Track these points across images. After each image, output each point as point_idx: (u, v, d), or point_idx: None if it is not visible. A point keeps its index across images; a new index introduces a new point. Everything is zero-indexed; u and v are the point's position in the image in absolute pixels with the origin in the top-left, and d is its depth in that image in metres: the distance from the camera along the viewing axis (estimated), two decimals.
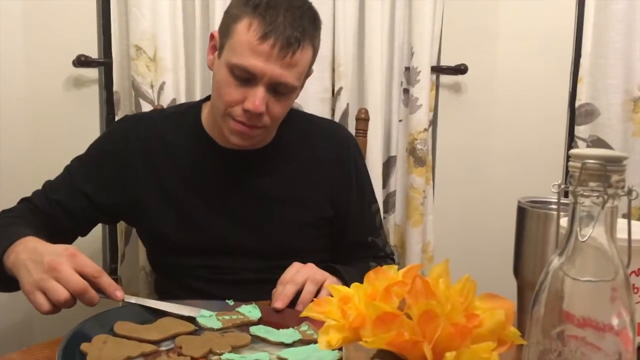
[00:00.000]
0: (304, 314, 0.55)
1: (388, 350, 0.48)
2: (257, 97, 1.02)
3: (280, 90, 1.05)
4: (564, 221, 0.58)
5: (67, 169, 1.18)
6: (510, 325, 0.50)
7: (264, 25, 0.99)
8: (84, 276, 0.83)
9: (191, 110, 1.21)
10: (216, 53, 1.09)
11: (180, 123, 1.19)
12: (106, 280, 0.86)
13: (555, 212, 0.83)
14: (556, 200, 0.87)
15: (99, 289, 0.85)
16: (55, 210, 1.12)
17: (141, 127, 1.18)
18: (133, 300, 0.90)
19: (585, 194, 0.51)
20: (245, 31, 1.00)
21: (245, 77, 1.03)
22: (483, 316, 0.48)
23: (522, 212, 0.87)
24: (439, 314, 0.47)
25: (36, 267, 0.85)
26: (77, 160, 1.19)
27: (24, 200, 1.16)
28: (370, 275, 0.54)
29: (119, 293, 0.86)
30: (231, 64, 1.02)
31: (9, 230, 0.97)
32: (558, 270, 0.54)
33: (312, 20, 1.07)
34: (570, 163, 0.52)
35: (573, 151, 0.52)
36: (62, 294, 0.81)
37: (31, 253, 0.88)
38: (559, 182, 0.55)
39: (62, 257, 0.84)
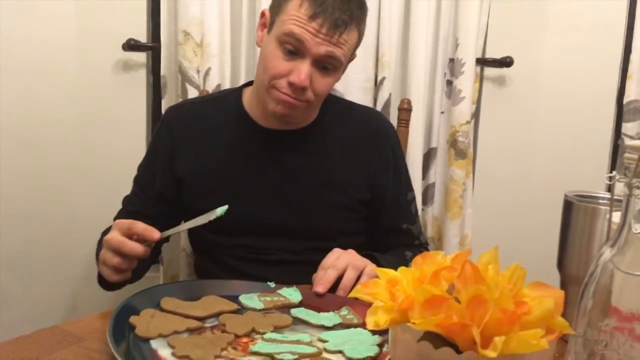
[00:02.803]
0: (352, 295, 0.55)
1: (435, 333, 0.49)
2: (302, 71, 1.06)
3: (326, 64, 1.09)
4: (613, 215, 0.58)
5: (135, 179, 1.24)
6: (559, 314, 0.49)
7: (314, 6, 1.03)
8: (123, 233, 0.92)
9: (232, 94, 1.25)
10: (265, 30, 1.13)
11: (222, 106, 1.23)
12: (140, 226, 0.92)
13: (602, 207, 0.82)
14: (603, 195, 0.87)
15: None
16: (139, 220, 1.16)
17: (182, 113, 1.23)
18: (170, 231, 0.96)
19: None
20: (296, 9, 1.04)
21: (293, 50, 1.06)
22: (532, 304, 0.48)
23: (568, 206, 0.86)
24: (488, 300, 0.47)
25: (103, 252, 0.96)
26: (140, 168, 1.25)
27: (114, 219, 1.21)
28: (418, 260, 0.55)
29: (155, 233, 0.92)
30: (280, 34, 1.06)
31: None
32: (608, 262, 0.54)
33: (359, 5, 1.10)
34: (626, 155, 0.52)
35: (630, 142, 0.51)
36: (110, 258, 0.92)
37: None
38: (613, 173, 0.55)
39: (112, 231, 0.93)
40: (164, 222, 1.18)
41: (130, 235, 0.92)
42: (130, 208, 1.21)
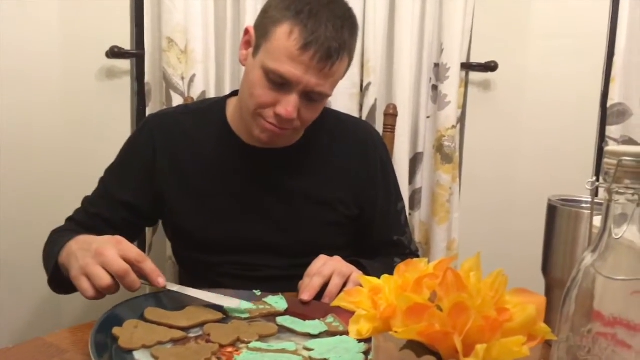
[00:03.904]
0: (334, 303, 0.55)
1: (418, 342, 0.49)
2: (289, 104, 1.02)
3: (313, 97, 1.05)
4: (596, 220, 0.58)
5: (102, 181, 1.19)
6: (541, 321, 0.49)
7: (306, 35, 0.98)
8: (128, 261, 0.85)
9: (215, 106, 1.21)
10: (250, 50, 1.08)
11: (205, 120, 1.19)
12: (149, 266, 0.87)
13: (586, 211, 0.83)
14: (587, 199, 0.88)
15: (141, 276, 0.87)
16: (97, 223, 1.13)
17: (165, 125, 1.18)
18: (176, 288, 0.90)
19: (620, 191, 0.51)
20: (286, 38, 0.99)
21: (280, 83, 1.02)
22: (514, 310, 0.48)
23: (552, 210, 0.86)
24: (470, 307, 0.47)
25: (84, 254, 0.88)
26: (109, 170, 1.20)
27: (69, 220, 1.18)
28: (400, 267, 0.55)
29: (161, 280, 0.87)
30: (268, 68, 1.01)
31: (62, 239, 0.99)
32: (590, 267, 0.54)
33: (351, 31, 1.06)
34: (605, 160, 0.52)
35: (609, 148, 0.52)
36: (104, 279, 0.84)
37: (81, 244, 0.92)
38: (593, 179, 0.55)
39: (108, 244, 0.87)
40: (125, 229, 1.14)
41: (132, 266, 0.86)
42: (92, 210, 1.16)
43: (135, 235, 1.23)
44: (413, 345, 0.49)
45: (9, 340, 0.82)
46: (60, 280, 0.97)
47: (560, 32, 1.84)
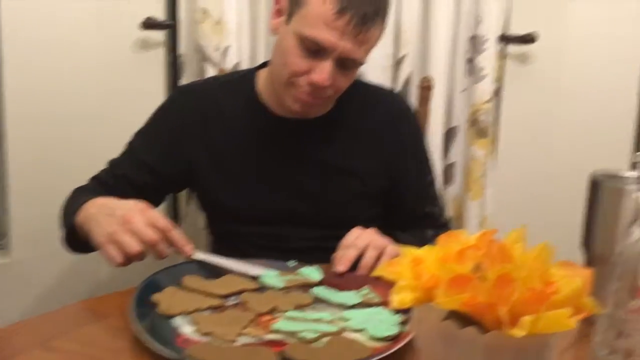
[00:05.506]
0: (375, 273, 0.55)
1: (459, 313, 0.48)
2: (324, 71, 1.01)
3: (347, 64, 1.04)
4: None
5: (129, 144, 1.19)
6: (586, 294, 0.49)
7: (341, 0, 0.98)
8: (156, 229, 0.86)
9: (246, 78, 1.20)
10: (282, 18, 1.07)
11: (235, 91, 1.19)
12: (177, 235, 0.88)
13: (629, 187, 0.81)
14: (630, 175, 0.86)
15: (168, 244, 0.88)
16: (122, 185, 1.14)
17: (196, 97, 1.19)
18: (202, 256, 0.91)
19: None
20: (321, 3, 0.98)
21: (315, 49, 1.01)
22: (560, 283, 0.48)
23: (595, 186, 0.84)
24: (516, 279, 0.46)
25: (108, 220, 0.88)
26: (137, 134, 1.20)
27: (93, 179, 1.18)
28: (442, 239, 0.54)
29: (188, 248, 0.88)
30: (303, 35, 1.01)
31: (80, 198, 1.00)
32: (637, 243, 0.53)
33: None
34: None
35: None
36: (134, 246, 0.85)
37: (101, 207, 0.92)
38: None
39: (134, 211, 0.87)
40: (148, 193, 1.12)
41: (161, 235, 0.86)
42: (117, 171, 1.16)
43: (157, 202, 1.20)
44: (454, 316, 0.49)
45: (51, 306, 0.85)
46: (75, 239, 0.99)
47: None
